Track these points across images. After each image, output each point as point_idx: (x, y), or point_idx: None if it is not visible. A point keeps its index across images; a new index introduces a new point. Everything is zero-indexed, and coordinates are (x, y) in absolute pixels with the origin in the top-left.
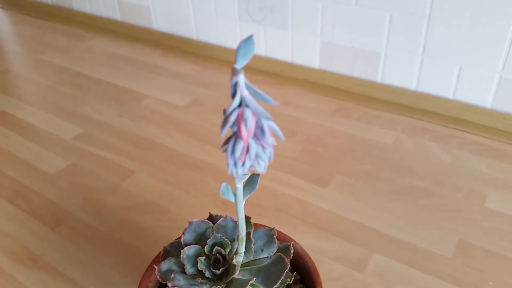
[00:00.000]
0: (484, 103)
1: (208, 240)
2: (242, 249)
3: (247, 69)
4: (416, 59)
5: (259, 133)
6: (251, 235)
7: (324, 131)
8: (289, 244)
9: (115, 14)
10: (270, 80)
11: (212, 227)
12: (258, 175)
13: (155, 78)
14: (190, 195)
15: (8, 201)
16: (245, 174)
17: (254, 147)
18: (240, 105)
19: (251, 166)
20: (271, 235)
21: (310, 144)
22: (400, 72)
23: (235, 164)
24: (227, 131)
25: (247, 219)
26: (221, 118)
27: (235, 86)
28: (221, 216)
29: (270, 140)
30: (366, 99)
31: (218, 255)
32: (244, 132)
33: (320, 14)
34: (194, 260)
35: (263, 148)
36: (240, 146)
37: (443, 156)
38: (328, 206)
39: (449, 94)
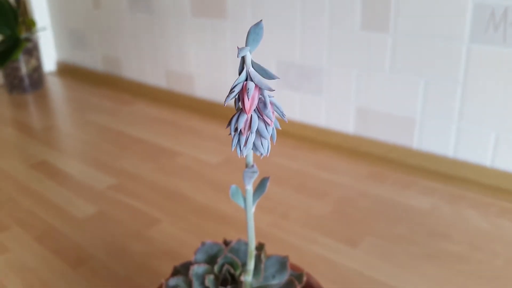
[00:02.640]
0: None
1: (218, 259)
2: (250, 265)
3: (282, 133)
4: (451, 126)
5: (262, 107)
6: (262, 257)
7: (356, 193)
8: (302, 272)
9: (162, 82)
10: (304, 145)
11: (225, 249)
12: (267, 178)
13: (191, 139)
14: None
15: (35, 240)
16: (253, 172)
17: (257, 121)
18: (246, 80)
19: (255, 148)
20: (284, 262)
21: (341, 205)
22: (436, 138)
23: (239, 141)
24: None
25: (261, 244)
26: None
27: (242, 63)
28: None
29: (271, 114)
30: (402, 165)
31: (227, 274)
32: (246, 101)
33: (355, 81)
34: (202, 278)
35: (266, 124)
36: (243, 119)
37: (481, 223)
38: (356, 266)
39: (487, 162)
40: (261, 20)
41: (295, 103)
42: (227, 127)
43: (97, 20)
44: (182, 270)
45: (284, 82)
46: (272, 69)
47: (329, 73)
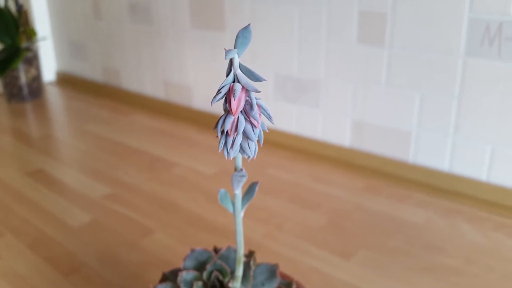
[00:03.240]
0: None
1: (207, 266)
2: (239, 272)
3: (278, 145)
4: (447, 139)
5: (248, 108)
6: (251, 263)
7: (351, 206)
8: (292, 281)
9: (160, 93)
10: (300, 157)
11: (214, 256)
12: (256, 182)
13: (188, 150)
14: None
15: (28, 247)
16: (242, 176)
17: (243, 123)
18: (233, 81)
19: (242, 151)
20: (273, 270)
21: (335, 217)
22: (432, 152)
23: (226, 143)
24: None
25: (251, 252)
26: (246, 186)
27: (230, 65)
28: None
29: (258, 115)
30: (397, 178)
31: (216, 281)
32: (233, 102)
33: (351, 94)
34: (191, 285)
35: (252, 126)
36: (230, 120)
37: (476, 237)
38: (350, 278)
39: (482, 176)
40: (249, 24)
41: (291, 116)
42: (214, 128)
43: (97, 31)
44: (170, 276)
45: (281, 95)
46: (269, 81)
47: (326, 86)
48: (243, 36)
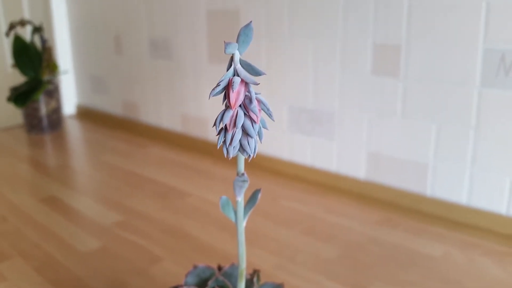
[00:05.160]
0: None
1: (209, 282)
2: (241, 286)
3: (292, 177)
4: (465, 171)
5: (248, 103)
6: (254, 280)
7: (366, 239)
8: None
9: (177, 126)
10: (315, 189)
11: (217, 273)
12: (259, 190)
13: (203, 180)
14: None
15: (35, 270)
16: (244, 181)
17: (242, 117)
18: (233, 76)
19: (242, 149)
20: None
21: (350, 250)
22: (449, 185)
23: (225, 140)
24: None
25: (255, 271)
26: (259, 217)
27: (231, 60)
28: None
29: (257, 109)
30: (414, 211)
31: None
32: (231, 95)
33: (366, 125)
34: None
35: (252, 121)
36: (229, 114)
37: (497, 272)
38: None
39: (502, 209)
40: (250, 22)
41: (306, 148)
42: (213, 126)
43: (118, 66)
44: None
45: (296, 127)
46: (283, 113)
47: (340, 118)
48: (244, 33)
